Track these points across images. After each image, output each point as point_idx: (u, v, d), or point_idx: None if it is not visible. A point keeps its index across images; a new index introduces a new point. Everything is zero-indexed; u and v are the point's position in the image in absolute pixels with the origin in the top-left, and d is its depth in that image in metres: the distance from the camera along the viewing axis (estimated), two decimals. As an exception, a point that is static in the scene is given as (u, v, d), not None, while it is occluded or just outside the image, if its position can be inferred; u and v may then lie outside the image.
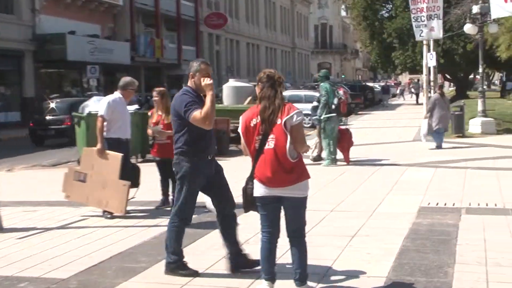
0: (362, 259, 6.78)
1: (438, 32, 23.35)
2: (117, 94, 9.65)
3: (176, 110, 6.16)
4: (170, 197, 9.98)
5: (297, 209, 5.43)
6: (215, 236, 7.91)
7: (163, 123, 9.83)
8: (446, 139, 20.59)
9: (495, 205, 9.62)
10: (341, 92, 15.30)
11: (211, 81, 6.06)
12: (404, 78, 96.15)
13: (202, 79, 6.08)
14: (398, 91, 75.13)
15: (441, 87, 20.16)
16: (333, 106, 14.72)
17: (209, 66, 6.30)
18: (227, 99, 24.21)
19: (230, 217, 6.53)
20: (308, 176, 5.42)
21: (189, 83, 6.28)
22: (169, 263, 6.35)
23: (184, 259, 6.40)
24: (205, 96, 6.11)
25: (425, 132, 18.25)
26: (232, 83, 25.57)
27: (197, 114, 5.94)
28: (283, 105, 5.36)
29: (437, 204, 9.75)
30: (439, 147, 18.02)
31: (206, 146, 6.26)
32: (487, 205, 9.63)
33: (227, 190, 6.57)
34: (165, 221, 8.96)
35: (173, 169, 6.32)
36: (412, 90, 56.23)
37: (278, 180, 5.31)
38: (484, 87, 25.79)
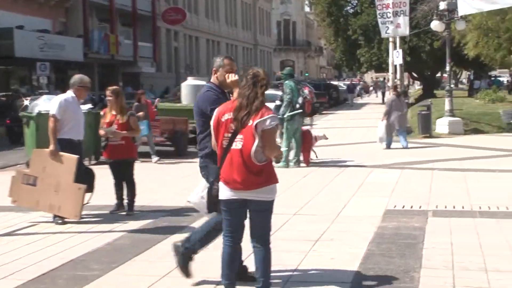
0: (326, 264, 6.81)
1: (404, 29, 23.68)
2: (69, 93, 9.53)
3: (201, 109, 6.07)
4: (125, 201, 9.91)
5: (263, 213, 5.42)
6: (172, 242, 7.88)
7: (118, 123, 9.75)
8: (413, 140, 20.83)
9: (463, 207, 9.76)
10: (306, 91, 15.37)
11: (237, 77, 6.00)
12: (370, 76, 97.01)
13: (227, 75, 6.03)
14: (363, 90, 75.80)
15: (396, 87, 20.46)
16: (297, 105, 14.78)
17: (233, 61, 6.25)
18: (186, 98, 24.07)
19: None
20: (276, 181, 5.41)
21: (212, 79, 6.22)
22: (185, 251, 6.25)
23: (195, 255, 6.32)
24: (229, 92, 6.11)
25: (381, 135, 18.48)
26: (191, 81, 25.43)
27: None
28: (260, 108, 5.34)
29: (403, 207, 9.85)
30: (405, 147, 18.33)
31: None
32: (454, 207, 9.76)
33: None
34: (120, 226, 8.93)
35: (201, 173, 6.20)
36: (371, 88, 56.81)
37: (244, 183, 5.30)
38: (452, 86, 26.18)
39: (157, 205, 10.55)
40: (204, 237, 6.22)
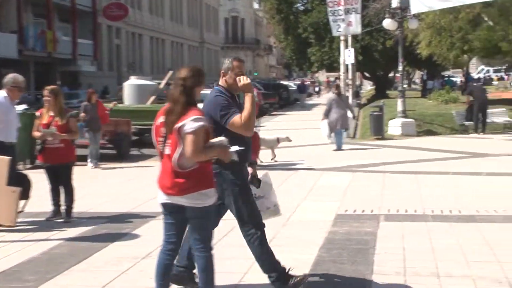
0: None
1: (356, 27, 23.93)
2: (2, 93, 9.35)
3: (210, 115, 5.84)
4: (63, 207, 9.76)
5: (198, 220, 5.37)
6: (112, 250, 7.82)
7: (57, 125, 9.59)
8: (364, 142, 21.06)
9: (415, 211, 9.89)
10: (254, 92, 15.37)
11: (249, 80, 5.88)
12: (322, 76, 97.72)
13: (237, 78, 5.89)
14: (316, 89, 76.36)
15: (338, 86, 20.71)
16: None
17: (242, 63, 6.11)
18: (129, 99, 23.93)
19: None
20: (210, 186, 5.35)
21: (220, 82, 6.07)
22: (274, 282, 6.11)
23: (285, 267, 6.19)
24: (238, 96, 6.01)
25: (327, 133, 18.77)
26: (134, 81, 25.29)
27: (236, 119, 5.74)
28: (185, 110, 5.28)
29: (354, 211, 9.94)
30: (339, 148, 18.55)
31: (246, 152, 6.07)
32: (406, 211, 9.89)
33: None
34: (57, 234, 8.78)
35: (214, 179, 5.97)
36: (316, 89, 57.23)
37: (173, 188, 5.29)
38: (404, 86, 26.54)
39: (97, 211, 10.43)
40: (260, 248, 6.13)
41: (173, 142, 5.28)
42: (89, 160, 16.16)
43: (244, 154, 5.95)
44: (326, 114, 18.92)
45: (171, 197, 5.32)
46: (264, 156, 16.02)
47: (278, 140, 16.29)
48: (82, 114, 15.89)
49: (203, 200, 5.29)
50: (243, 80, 5.85)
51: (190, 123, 5.17)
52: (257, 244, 6.07)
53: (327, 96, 19.75)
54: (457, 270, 6.71)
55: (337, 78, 59.73)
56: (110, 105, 19.22)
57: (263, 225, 6.14)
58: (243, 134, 5.83)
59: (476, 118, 23.44)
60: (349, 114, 19.53)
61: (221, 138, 5.39)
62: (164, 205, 5.41)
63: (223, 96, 5.93)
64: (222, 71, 6.04)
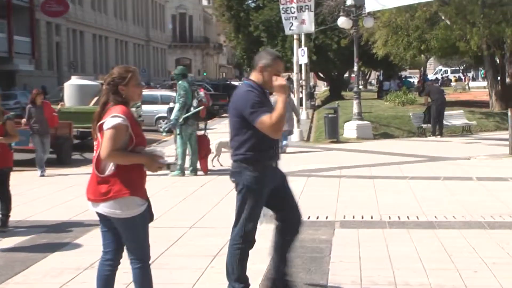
0: (225, 282, 6.80)
1: (309, 25, 24.02)
2: None
3: (239, 110, 5.85)
4: (-1, 216, 9.61)
5: (124, 231, 5.27)
6: (52, 261, 7.72)
7: (-6, 127, 9.45)
8: (319, 145, 21.20)
9: (371, 217, 9.99)
10: (202, 93, 15.37)
11: (285, 82, 5.81)
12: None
13: (274, 77, 5.81)
14: None
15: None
16: (192, 109, 14.77)
17: (282, 62, 6.06)
18: (70, 100, 23.65)
19: (294, 230, 6.32)
20: (132, 193, 5.18)
21: (253, 76, 5.97)
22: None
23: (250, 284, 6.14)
24: (271, 93, 5.95)
25: None
26: (75, 81, 25.03)
27: (265, 119, 5.68)
28: (106, 108, 5.24)
29: (308, 218, 9.97)
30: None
31: (274, 152, 6.03)
32: (362, 217, 9.98)
33: (293, 200, 6.35)
34: (-8, 244, 8.62)
35: (232, 179, 6.01)
36: None
37: (92, 193, 5.25)
38: (360, 87, 26.81)
39: (35, 219, 10.29)
40: (238, 259, 6.08)
41: (97, 144, 5.24)
42: (38, 169, 15.42)
43: (272, 154, 6.00)
44: None
45: (92, 203, 5.27)
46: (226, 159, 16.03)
47: None
48: (23, 120, 15.41)
49: (123, 209, 5.15)
50: (280, 81, 5.82)
51: (108, 119, 5.13)
52: (236, 254, 6.06)
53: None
54: (414, 279, 6.79)
55: (287, 78, 60.09)
56: (58, 107, 18.69)
57: (253, 244, 6.12)
58: (269, 135, 5.79)
59: (434, 121, 23.78)
60: (295, 117, 19.82)
61: (155, 148, 5.34)
62: (96, 212, 5.34)
63: (255, 92, 5.86)
64: (260, 65, 5.92)
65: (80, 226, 9.59)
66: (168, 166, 5.43)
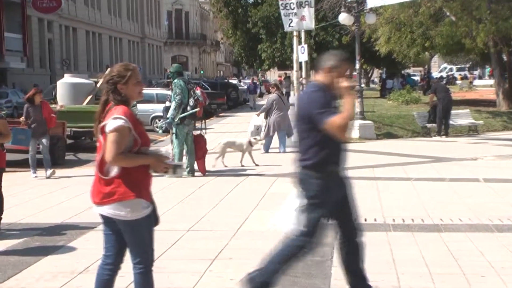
0: (224, 286, 6.82)
1: (310, 22, 23.98)
2: None
3: (305, 112, 5.88)
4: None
5: (127, 234, 5.31)
6: (46, 265, 7.72)
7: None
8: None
9: (375, 220, 9.99)
10: (198, 91, 15.38)
11: (350, 83, 5.86)
12: (274, 74, 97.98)
13: (340, 79, 5.84)
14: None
15: (278, 86, 21.04)
16: (188, 108, 14.78)
17: (351, 65, 6.09)
18: (63, 99, 23.66)
19: (358, 241, 6.28)
20: (138, 196, 5.22)
21: (320, 77, 5.98)
22: (255, 281, 6.09)
23: None
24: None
25: (252, 130, 19.24)
26: (68, 79, 25.03)
27: (333, 120, 5.68)
28: (106, 108, 5.26)
29: (310, 220, 9.98)
30: (284, 151, 19.04)
31: (342, 158, 6.03)
32: (365, 220, 9.96)
33: (355, 211, 6.34)
34: (-17, 248, 8.62)
35: (299, 185, 6.01)
36: (283, 88, 57.30)
37: (96, 195, 5.28)
38: (362, 85, 26.80)
39: (28, 222, 10.29)
40: (290, 255, 6.08)
41: (100, 145, 5.27)
42: (32, 171, 15.23)
43: (340, 159, 6.02)
44: (264, 113, 19.64)
45: (97, 206, 5.30)
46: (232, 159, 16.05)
47: (250, 143, 16.39)
48: (22, 118, 15.22)
49: (127, 212, 5.19)
50: (344, 82, 5.84)
51: (110, 121, 5.15)
52: (293, 250, 6.06)
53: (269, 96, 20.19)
54: (419, 283, 6.80)
55: (284, 77, 59.93)
56: (57, 107, 18.33)
57: (315, 246, 6.17)
58: (337, 137, 5.79)
59: (439, 120, 23.78)
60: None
61: (159, 148, 5.35)
62: (100, 214, 5.37)
63: (322, 93, 5.89)
64: (328, 66, 5.95)
65: (74, 229, 9.59)
66: (175, 168, 5.44)
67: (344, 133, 5.77)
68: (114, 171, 5.19)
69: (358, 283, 6.26)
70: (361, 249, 6.25)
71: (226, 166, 16.11)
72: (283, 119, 19.23)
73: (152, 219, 5.37)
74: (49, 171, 15.14)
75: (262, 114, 19.92)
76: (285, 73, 63.63)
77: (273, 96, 19.85)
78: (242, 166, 16.26)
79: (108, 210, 5.21)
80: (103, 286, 5.43)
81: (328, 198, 5.98)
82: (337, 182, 6.09)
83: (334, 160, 5.99)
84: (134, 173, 5.21)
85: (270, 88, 21.42)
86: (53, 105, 18.32)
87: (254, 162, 16.39)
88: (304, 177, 5.98)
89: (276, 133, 19.35)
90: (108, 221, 5.32)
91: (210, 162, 15.83)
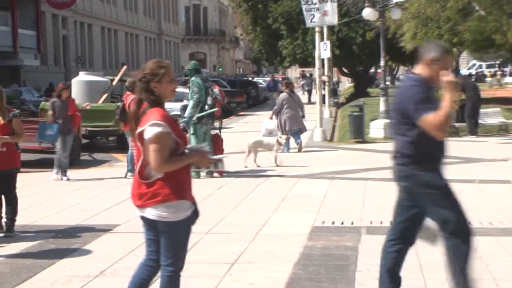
0: (244, 291, 6.83)
1: (332, 17, 23.95)
2: None
3: (402, 107, 5.79)
4: (4, 220, 9.66)
5: (166, 235, 5.35)
6: (61, 268, 7.77)
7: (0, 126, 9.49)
8: (344, 145, 21.17)
9: (400, 222, 9.95)
10: (216, 90, 15.40)
11: (454, 79, 5.72)
12: (295, 71, 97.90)
13: (442, 72, 5.71)
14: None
15: (289, 84, 21.01)
16: (206, 107, 14.80)
17: (452, 56, 5.95)
18: (78, 97, 23.61)
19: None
20: (180, 197, 5.28)
21: (419, 70, 5.89)
22: None
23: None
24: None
25: (264, 133, 19.32)
26: (83, 77, 25.10)
27: (430, 117, 5.59)
28: (139, 112, 5.29)
29: (333, 223, 9.98)
30: (299, 149, 19.32)
31: (441, 156, 5.97)
32: (391, 223, 9.93)
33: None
34: (-4, 250, 8.69)
35: (402, 183, 5.92)
36: (305, 87, 57.29)
37: (139, 198, 5.32)
38: (387, 83, 26.71)
39: (43, 224, 10.35)
40: (463, 256, 5.90)
41: (137, 149, 5.32)
42: (54, 171, 15.09)
43: (441, 156, 5.93)
44: (276, 114, 19.72)
45: (139, 209, 5.35)
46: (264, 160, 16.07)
47: (279, 142, 16.46)
48: (50, 113, 14.94)
49: (171, 213, 5.25)
50: (446, 77, 5.69)
51: (148, 129, 5.18)
52: (461, 250, 5.88)
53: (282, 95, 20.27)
54: (447, 289, 6.77)
55: (304, 75, 59.78)
56: (83, 105, 17.92)
57: (470, 232, 5.94)
58: (433, 135, 5.69)
59: (469, 119, 23.63)
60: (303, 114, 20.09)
61: (201, 145, 5.38)
62: (141, 218, 5.42)
63: (420, 87, 5.77)
64: (429, 58, 5.81)
65: (90, 231, 9.64)
66: (216, 162, 5.51)
67: (441, 132, 5.65)
68: (154, 173, 5.24)
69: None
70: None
71: (258, 166, 16.15)
72: (294, 117, 19.29)
73: (191, 220, 5.43)
74: (64, 178, 15.01)
75: (275, 117, 19.91)
76: (303, 71, 63.53)
77: (282, 95, 20.00)
78: (277, 165, 16.31)
79: (151, 212, 5.27)
80: (139, 284, 5.48)
81: (444, 185, 5.90)
82: (441, 175, 5.96)
83: (433, 158, 5.88)
84: (176, 174, 5.25)
85: (282, 87, 21.44)
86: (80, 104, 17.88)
87: (276, 163, 16.40)
88: (407, 173, 5.87)
89: (291, 131, 19.40)
90: (151, 225, 5.37)
91: (237, 163, 15.83)
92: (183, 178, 5.33)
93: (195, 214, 5.48)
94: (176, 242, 5.37)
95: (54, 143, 15.23)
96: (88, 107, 17.95)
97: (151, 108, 5.26)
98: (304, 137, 20.37)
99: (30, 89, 41.13)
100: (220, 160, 5.20)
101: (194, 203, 5.44)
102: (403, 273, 7.26)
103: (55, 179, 14.95)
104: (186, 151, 5.35)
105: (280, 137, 17.05)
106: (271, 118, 20.02)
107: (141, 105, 5.31)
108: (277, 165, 16.32)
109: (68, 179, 14.90)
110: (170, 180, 5.24)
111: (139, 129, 5.23)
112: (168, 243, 5.35)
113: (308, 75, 57.81)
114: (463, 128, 23.95)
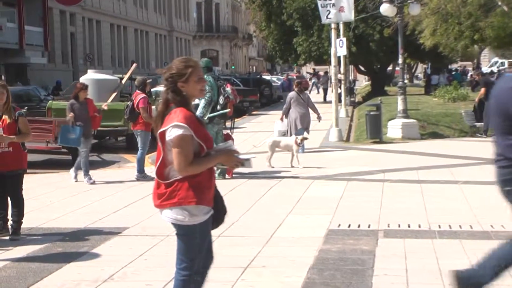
0: (257, 296, 6.84)
1: (349, 13, 23.90)
2: None
3: (504, 108, 5.65)
4: (10, 222, 9.69)
5: (181, 238, 5.37)
6: (68, 272, 7.78)
7: (5, 125, 9.51)
8: (360, 145, 21.13)
9: (419, 226, 9.93)
10: (228, 89, 15.40)
11: None
12: (309, 69, 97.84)
13: None
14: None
15: (299, 83, 20.97)
16: (218, 106, 14.82)
17: None
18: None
19: None
20: (198, 201, 5.27)
21: None
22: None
23: None
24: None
25: (277, 135, 19.39)
26: (91, 75, 25.14)
27: None
28: (166, 111, 5.30)
29: (349, 226, 9.96)
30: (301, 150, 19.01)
31: None
32: (409, 226, 9.93)
33: None
34: (3, 253, 8.73)
35: (506, 188, 5.85)
36: (318, 85, 57.28)
37: (156, 199, 5.34)
38: (405, 81, 26.66)
39: (50, 226, 10.38)
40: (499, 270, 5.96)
41: (158, 149, 5.33)
42: (87, 177, 14.71)
43: None
44: (285, 113, 19.68)
45: (159, 211, 5.38)
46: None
47: (296, 143, 16.47)
48: (71, 115, 14.55)
49: (186, 216, 5.25)
50: None
51: (170, 130, 5.19)
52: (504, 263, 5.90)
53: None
54: (468, 294, 6.74)
55: (315, 73, 59.66)
56: (102, 106, 17.71)
57: None
58: None
59: (486, 118, 23.53)
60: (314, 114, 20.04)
61: (228, 143, 5.39)
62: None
63: None
64: None
65: (98, 234, 9.66)
66: (244, 162, 5.46)
67: None
68: (173, 174, 5.26)
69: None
70: None
71: (272, 167, 16.15)
72: (302, 116, 19.28)
73: (209, 225, 5.43)
74: (73, 179, 14.93)
75: (285, 118, 19.88)
76: (314, 69, 63.45)
77: (291, 94, 20.01)
78: (292, 166, 16.27)
79: (167, 214, 5.29)
80: None
81: None
82: None
83: None
84: (197, 176, 5.25)
85: (294, 86, 21.46)
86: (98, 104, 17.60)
87: (291, 164, 16.39)
88: (511, 176, 5.77)
89: (297, 131, 19.35)
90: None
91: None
92: (204, 181, 5.30)
93: (217, 217, 5.49)
94: (190, 246, 5.36)
95: (77, 147, 15.03)
96: (105, 108, 17.88)
97: (176, 108, 5.26)
98: (319, 137, 20.33)
99: (36, 88, 41.02)
100: (248, 160, 5.12)
101: (218, 204, 5.44)
102: (422, 278, 7.26)
103: (89, 183, 14.58)
104: (212, 152, 5.33)
105: (297, 138, 17.05)
106: (281, 119, 20.00)
107: (168, 105, 5.31)
108: (292, 166, 16.31)
109: (76, 181, 14.90)
110: (189, 182, 5.23)
111: (161, 129, 5.24)
112: (182, 246, 5.36)
113: (322, 73, 57.74)
114: (481, 128, 23.83)
